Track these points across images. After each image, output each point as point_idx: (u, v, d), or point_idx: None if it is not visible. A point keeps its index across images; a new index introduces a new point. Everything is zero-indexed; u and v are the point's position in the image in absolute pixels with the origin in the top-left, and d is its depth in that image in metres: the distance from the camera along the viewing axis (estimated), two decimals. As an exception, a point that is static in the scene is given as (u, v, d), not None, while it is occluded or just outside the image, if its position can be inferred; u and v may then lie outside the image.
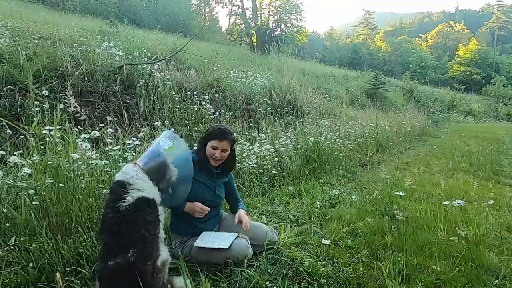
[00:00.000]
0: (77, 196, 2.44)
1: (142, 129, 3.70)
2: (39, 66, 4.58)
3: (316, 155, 5.12)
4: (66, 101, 2.92)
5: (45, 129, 2.60)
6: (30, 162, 2.47)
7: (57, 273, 1.56)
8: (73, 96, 2.96)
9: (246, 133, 5.16)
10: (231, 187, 2.61)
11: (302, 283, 2.07)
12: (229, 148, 2.40)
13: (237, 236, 2.28)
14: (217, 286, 2.03)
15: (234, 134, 2.49)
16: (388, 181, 4.33)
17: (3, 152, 2.63)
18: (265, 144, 4.60)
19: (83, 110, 3.17)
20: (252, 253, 2.27)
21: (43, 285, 1.92)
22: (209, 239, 2.26)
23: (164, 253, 1.80)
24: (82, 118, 3.02)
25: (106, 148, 3.07)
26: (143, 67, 5.91)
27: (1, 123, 3.07)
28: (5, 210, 2.22)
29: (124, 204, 1.70)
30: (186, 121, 5.24)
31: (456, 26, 59.46)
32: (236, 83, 7.50)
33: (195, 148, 2.54)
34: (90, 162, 2.76)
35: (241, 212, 2.49)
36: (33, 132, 2.65)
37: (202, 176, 2.37)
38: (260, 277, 2.05)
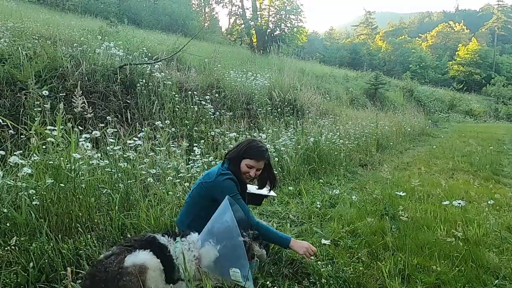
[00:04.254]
0: (77, 196, 2.44)
1: (143, 129, 3.70)
2: (39, 66, 4.58)
3: (316, 155, 5.12)
4: (74, 101, 2.92)
5: (47, 129, 2.60)
6: (31, 162, 2.47)
7: (68, 268, 1.59)
8: (81, 97, 2.96)
9: (246, 133, 5.16)
10: None
11: (302, 283, 2.07)
12: (263, 166, 2.39)
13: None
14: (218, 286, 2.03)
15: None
16: (388, 181, 4.33)
17: (2, 152, 2.63)
18: (265, 144, 4.59)
19: (90, 108, 3.17)
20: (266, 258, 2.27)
21: (43, 285, 1.92)
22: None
23: (140, 257, 1.75)
24: (89, 116, 3.02)
25: (108, 148, 3.07)
26: (143, 67, 5.92)
27: (3, 123, 3.06)
28: (5, 210, 2.22)
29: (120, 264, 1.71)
30: (186, 121, 5.24)
31: (456, 26, 59.39)
32: (236, 83, 7.50)
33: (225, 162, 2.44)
34: (91, 162, 2.76)
35: None
36: (34, 132, 2.65)
37: (240, 191, 2.33)
38: (264, 278, 2.05)
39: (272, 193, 2.47)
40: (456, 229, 2.32)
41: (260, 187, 2.51)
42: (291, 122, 6.56)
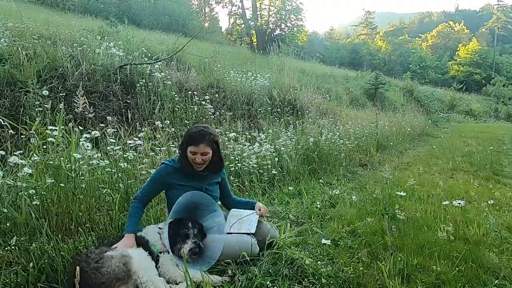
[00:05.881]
0: (77, 196, 2.44)
1: (143, 129, 3.70)
2: (39, 66, 4.58)
3: (316, 155, 5.12)
4: (74, 101, 2.92)
5: (48, 129, 2.60)
6: (31, 162, 2.47)
7: (77, 267, 1.62)
8: (83, 97, 2.96)
9: (246, 133, 5.16)
10: (224, 186, 2.61)
11: (302, 283, 2.07)
12: (210, 150, 2.27)
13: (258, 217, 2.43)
14: (218, 286, 2.03)
15: (216, 132, 2.38)
16: (388, 181, 4.33)
17: (3, 152, 2.63)
18: (265, 144, 4.59)
19: (91, 108, 3.17)
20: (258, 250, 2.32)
21: (43, 285, 1.92)
22: (234, 225, 2.37)
23: (119, 251, 1.93)
24: (89, 116, 3.02)
25: (108, 148, 3.07)
26: (143, 67, 5.91)
27: (3, 123, 3.06)
28: (5, 210, 2.22)
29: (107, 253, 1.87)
30: (186, 121, 5.24)
31: (456, 26, 59.36)
32: (236, 83, 7.50)
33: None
34: (91, 162, 2.76)
35: (259, 204, 2.59)
36: (34, 132, 2.65)
37: (187, 180, 2.34)
38: (263, 278, 2.05)
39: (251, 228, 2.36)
40: (457, 230, 2.32)
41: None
42: (291, 122, 6.56)
